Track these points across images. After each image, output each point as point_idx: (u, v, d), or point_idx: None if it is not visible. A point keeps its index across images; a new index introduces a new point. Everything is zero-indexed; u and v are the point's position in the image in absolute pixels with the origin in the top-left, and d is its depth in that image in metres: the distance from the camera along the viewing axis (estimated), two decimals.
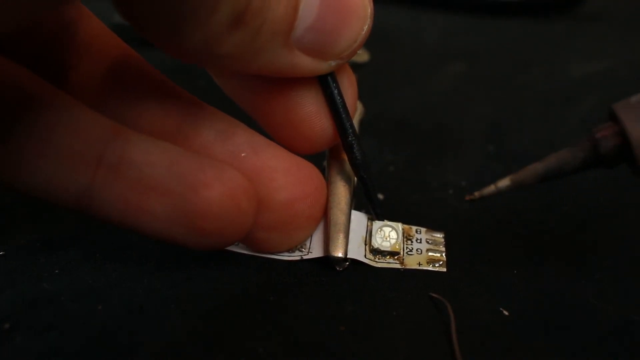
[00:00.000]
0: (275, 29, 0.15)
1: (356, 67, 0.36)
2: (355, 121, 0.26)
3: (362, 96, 0.28)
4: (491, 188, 0.18)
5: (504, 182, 0.17)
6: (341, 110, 0.18)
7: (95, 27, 0.19)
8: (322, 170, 0.22)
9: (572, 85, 0.36)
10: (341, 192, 0.21)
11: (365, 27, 0.17)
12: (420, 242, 0.21)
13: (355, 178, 0.21)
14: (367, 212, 0.21)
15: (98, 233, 0.21)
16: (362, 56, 0.38)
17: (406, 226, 0.21)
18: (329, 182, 0.21)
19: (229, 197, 0.16)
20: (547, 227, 0.23)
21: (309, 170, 0.19)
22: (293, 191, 0.19)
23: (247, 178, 0.17)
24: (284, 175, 0.18)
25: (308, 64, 0.16)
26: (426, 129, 0.31)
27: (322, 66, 0.17)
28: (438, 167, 0.27)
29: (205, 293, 0.19)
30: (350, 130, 0.19)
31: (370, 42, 0.40)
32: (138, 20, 0.14)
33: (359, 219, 0.21)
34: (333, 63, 0.17)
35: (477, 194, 0.18)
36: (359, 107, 0.27)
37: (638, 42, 0.44)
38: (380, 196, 0.24)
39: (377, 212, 0.21)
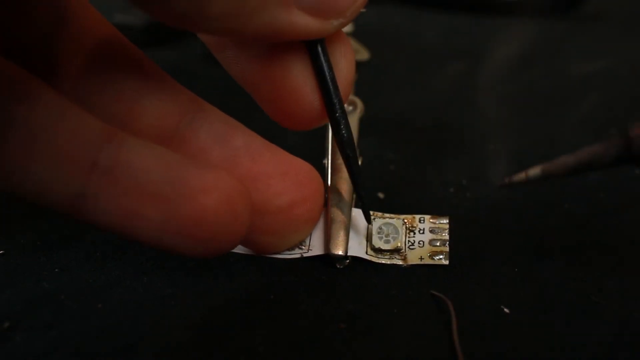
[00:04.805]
0: None
1: (356, 65, 0.36)
2: (355, 119, 0.26)
3: (362, 95, 0.28)
4: (522, 175, 0.17)
5: (534, 171, 0.17)
6: (330, 83, 0.17)
7: (91, 17, 0.18)
8: (323, 168, 0.22)
9: (572, 85, 0.36)
10: (342, 189, 0.20)
11: None
12: (423, 233, 0.21)
13: None
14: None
15: (98, 233, 0.21)
16: (363, 55, 0.38)
17: (409, 217, 0.21)
18: (330, 180, 0.21)
19: (224, 204, 0.15)
20: (548, 225, 0.23)
21: (306, 172, 0.19)
22: (290, 196, 0.18)
23: (243, 184, 0.16)
24: (281, 181, 0.18)
25: (308, 23, 0.15)
26: (426, 128, 0.31)
27: (324, 26, 0.16)
28: (439, 166, 0.27)
29: (205, 292, 0.18)
30: (338, 106, 0.18)
31: (370, 41, 0.39)
32: None
33: (359, 216, 0.21)
34: (335, 22, 0.16)
35: (507, 179, 0.17)
36: (359, 105, 0.27)
37: (638, 42, 0.44)
38: (381, 195, 0.24)
39: (361, 194, 0.20)
